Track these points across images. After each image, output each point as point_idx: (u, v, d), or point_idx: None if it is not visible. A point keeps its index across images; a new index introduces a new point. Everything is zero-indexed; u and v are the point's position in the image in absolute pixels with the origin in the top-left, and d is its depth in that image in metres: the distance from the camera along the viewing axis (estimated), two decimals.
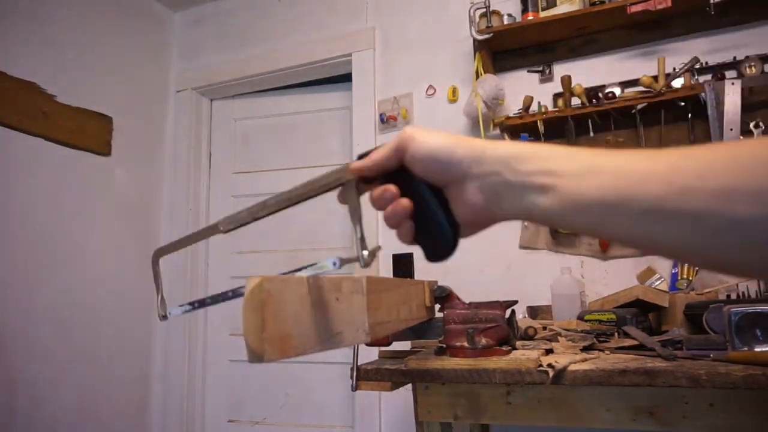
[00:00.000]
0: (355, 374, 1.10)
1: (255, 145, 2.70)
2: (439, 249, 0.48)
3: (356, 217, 0.50)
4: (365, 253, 0.48)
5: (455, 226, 0.47)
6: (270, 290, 0.39)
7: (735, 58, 1.75)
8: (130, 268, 2.42)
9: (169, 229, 2.60)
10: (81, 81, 2.25)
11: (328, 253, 2.44)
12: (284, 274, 0.50)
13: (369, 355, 1.33)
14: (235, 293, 0.54)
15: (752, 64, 1.70)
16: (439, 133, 0.46)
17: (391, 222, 0.49)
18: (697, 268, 1.67)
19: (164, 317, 0.66)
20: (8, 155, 1.95)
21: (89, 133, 2.26)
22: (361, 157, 0.51)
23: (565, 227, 0.43)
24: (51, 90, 2.11)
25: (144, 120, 2.58)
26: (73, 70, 2.23)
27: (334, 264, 0.47)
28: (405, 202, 0.48)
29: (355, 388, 1.11)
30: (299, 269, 0.50)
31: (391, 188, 0.49)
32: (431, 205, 0.47)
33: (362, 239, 0.49)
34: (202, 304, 0.60)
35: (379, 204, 0.50)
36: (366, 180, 0.51)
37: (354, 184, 0.51)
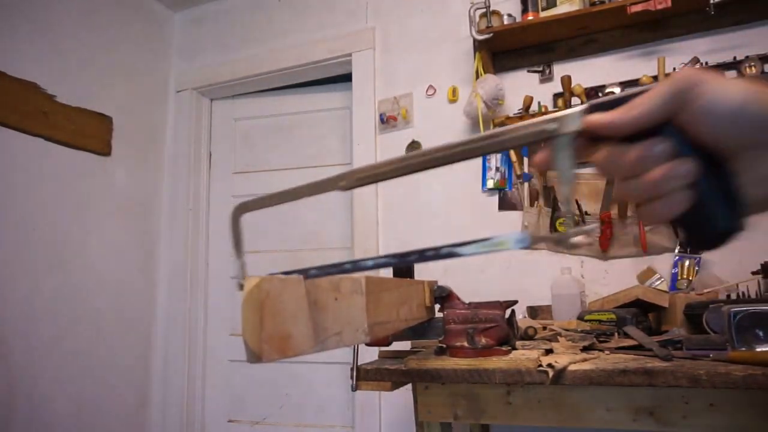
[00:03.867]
0: (355, 374, 1.10)
1: (255, 145, 2.70)
2: (715, 233, 0.37)
3: (569, 183, 0.39)
4: (575, 230, 0.38)
5: (740, 204, 0.37)
6: (269, 290, 0.39)
7: (735, 58, 1.75)
8: (130, 268, 2.42)
9: (169, 229, 2.60)
10: (81, 81, 2.25)
11: (328, 253, 2.44)
12: (434, 250, 0.42)
13: (369, 355, 1.33)
14: (356, 266, 0.45)
15: (752, 64, 1.70)
16: (732, 81, 0.36)
17: (656, 190, 0.37)
18: (697, 269, 1.67)
19: (242, 287, 0.52)
20: (8, 155, 1.95)
21: (89, 133, 2.26)
22: (593, 108, 0.39)
23: None
24: (51, 90, 2.11)
25: (144, 120, 2.58)
26: (73, 70, 2.23)
27: (520, 242, 0.38)
28: (689, 163, 0.36)
29: (355, 388, 1.11)
30: (458, 245, 0.40)
31: (665, 145, 0.37)
32: (713, 175, 0.36)
33: (571, 213, 0.39)
34: (304, 273, 0.46)
35: (634, 167, 0.37)
36: (598, 138, 0.39)
37: (572, 139, 0.39)
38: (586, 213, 1.85)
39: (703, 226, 0.37)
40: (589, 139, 0.39)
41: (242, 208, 0.53)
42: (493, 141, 0.41)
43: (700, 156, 0.36)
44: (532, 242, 0.38)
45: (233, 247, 0.55)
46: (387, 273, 1.64)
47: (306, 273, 0.46)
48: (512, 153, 2.00)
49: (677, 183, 0.36)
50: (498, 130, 0.41)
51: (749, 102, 0.34)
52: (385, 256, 0.45)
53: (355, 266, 0.46)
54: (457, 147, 0.42)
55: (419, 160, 0.43)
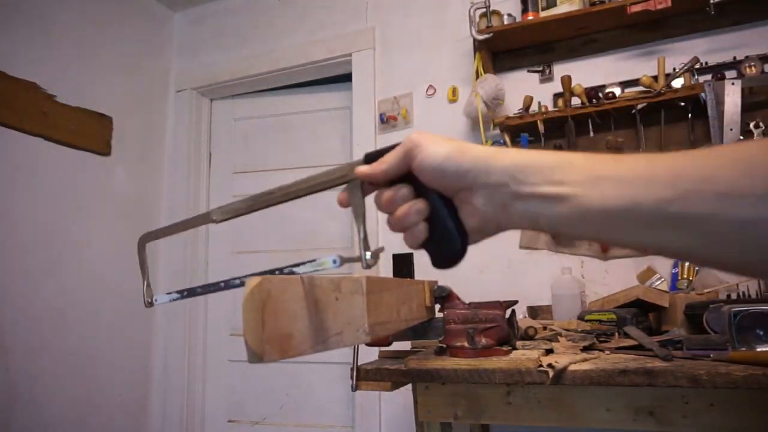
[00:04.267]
0: (355, 374, 1.10)
1: (255, 145, 2.70)
2: (448, 255, 0.48)
3: (360, 217, 0.50)
4: (368, 254, 0.48)
5: (464, 233, 0.47)
6: (270, 290, 0.39)
7: (735, 58, 1.75)
8: (130, 268, 2.42)
9: None
10: (81, 81, 2.25)
11: (328, 252, 2.43)
12: (280, 270, 0.50)
13: (369, 355, 1.32)
14: (228, 284, 0.54)
15: (752, 64, 1.70)
16: (444, 142, 0.46)
17: (402, 224, 0.48)
18: (697, 269, 1.67)
19: (150, 304, 0.64)
20: (8, 155, 1.95)
21: (89, 133, 2.26)
22: (368, 158, 0.50)
23: (572, 236, 0.43)
24: (51, 90, 2.11)
25: (144, 120, 2.58)
26: (73, 70, 2.23)
27: (335, 262, 0.47)
28: (421, 203, 0.47)
29: (355, 388, 1.11)
30: (297, 265, 0.50)
31: (406, 189, 0.48)
32: (441, 211, 0.47)
33: (365, 240, 0.49)
34: (192, 293, 0.59)
35: (389, 206, 0.49)
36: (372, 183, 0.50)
37: (359, 183, 0.50)
38: None
39: (440, 249, 0.48)
40: (369, 184, 0.50)
41: (147, 238, 0.67)
42: (302, 186, 0.53)
43: (434, 196, 0.47)
44: (341, 263, 0.48)
45: (141, 272, 0.68)
46: (387, 272, 1.65)
47: (193, 292, 0.59)
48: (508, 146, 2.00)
49: (415, 217, 0.47)
50: (303, 178, 0.53)
51: (448, 159, 0.45)
52: (240, 277, 0.53)
53: (227, 285, 0.55)
54: (278, 192, 0.54)
55: (261, 199, 0.55)
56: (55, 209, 2.10)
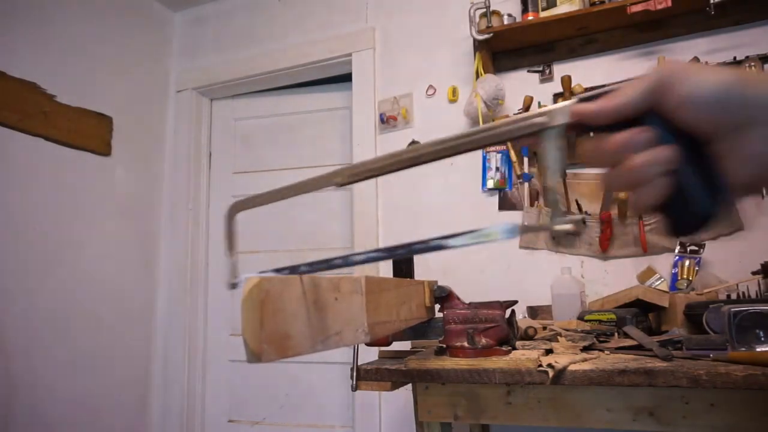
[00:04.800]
0: (355, 374, 1.10)
1: (255, 145, 2.70)
2: (696, 219, 0.38)
3: (557, 173, 0.41)
4: (561, 219, 0.38)
5: (722, 187, 0.37)
6: (269, 290, 0.39)
7: (735, 58, 1.75)
8: (130, 268, 2.42)
9: (169, 229, 2.60)
10: (81, 81, 2.25)
11: (328, 252, 2.44)
12: (425, 242, 0.42)
13: (369, 355, 1.33)
14: (347, 261, 0.46)
15: (752, 64, 1.70)
16: (711, 69, 0.37)
17: (638, 177, 0.38)
18: (697, 269, 1.67)
19: (234, 286, 0.51)
20: (8, 155, 1.95)
21: (89, 133, 2.26)
22: (584, 100, 0.40)
23: None
24: (51, 90, 2.11)
25: (144, 120, 2.58)
26: (73, 70, 2.23)
27: (507, 232, 0.38)
28: (670, 150, 0.37)
29: (355, 388, 1.11)
30: (448, 236, 0.41)
31: (649, 133, 0.38)
32: (694, 159, 0.37)
33: (556, 202, 0.40)
34: (294, 271, 0.47)
35: (618, 153, 0.38)
36: (585, 128, 0.40)
37: (562, 131, 0.40)
38: (587, 213, 1.85)
39: (685, 211, 0.38)
40: (578, 133, 0.39)
41: (238, 207, 0.53)
42: (485, 135, 0.42)
43: (681, 143, 0.37)
44: (519, 232, 0.39)
45: (226, 246, 0.55)
46: (387, 272, 1.64)
47: (296, 269, 0.47)
48: (512, 153, 2.00)
49: (658, 169, 0.37)
50: (491, 124, 0.42)
51: (728, 85, 0.35)
52: (375, 250, 0.46)
53: (346, 261, 0.47)
54: (450, 141, 0.43)
55: (413, 155, 0.44)
56: (54, 209, 2.10)
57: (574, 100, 0.40)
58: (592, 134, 0.41)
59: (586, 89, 1.87)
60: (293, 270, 0.47)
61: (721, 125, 0.36)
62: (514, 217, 2.00)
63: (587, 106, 0.39)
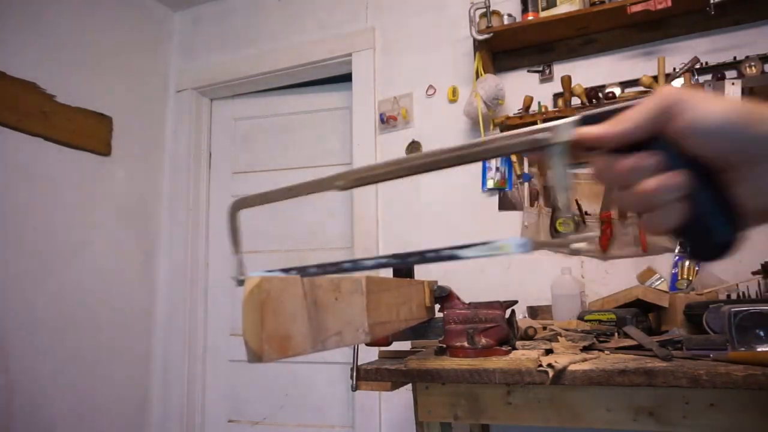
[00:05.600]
0: (355, 374, 1.10)
1: (255, 145, 2.70)
2: (713, 245, 0.37)
3: (565, 191, 0.40)
4: (576, 237, 0.38)
5: (734, 218, 0.37)
6: (269, 290, 0.39)
7: (735, 58, 1.75)
8: (130, 268, 2.42)
9: (169, 229, 2.60)
10: (81, 81, 2.25)
11: (328, 252, 2.44)
12: (436, 251, 0.43)
13: (369, 355, 1.33)
14: (357, 265, 0.46)
15: (752, 64, 1.70)
16: (718, 99, 0.36)
17: (650, 202, 0.37)
18: (697, 269, 1.67)
19: (242, 282, 0.49)
20: (8, 155, 1.95)
21: (89, 133, 2.26)
22: (587, 120, 0.39)
23: None
24: (51, 90, 2.11)
25: (144, 120, 2.58)
26: (73, 70, 2.23)
27: (522, 247, 0.39)
28: (682, 176, 0.36)
29: (355, 388, 1.11)
30: (461, 247, 0.41)
31: (657, 158, 0.37)
32: (705, 187, 0.37)
33: (571, 219, 0.40)
34: (302, 272, 0.47)
35: (627, 177, 0.38)
36: (591, 148, 0.40)
37: (566, 148, 0.40)
38: (586, 213, 1.85)
39: (703, 238, 0.38)
40: (584, 148, 0.40)
41: (240, 204, 0.53)
42: (487, 147, 0.42)
43: (694, 169, 0.37)
44: (533, 247, 0.39)
45: (231, 243, 0.55)
46: (387, 273, 1.64)
47: (304, 271, 0.47)
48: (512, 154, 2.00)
49: (670, 195, 0.37)
50: (494, 136, 0.42)
51: (732, 119, 0.35)
52: (386, 257, 0.46)
53: (355, 265, 0.47)
54: (453, 152, 0.43)
55: (415, 164, 0.44)
56: (55, 209, 2.10)
57: (578, 117, 0.40)
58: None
59: (586, 90, 1.87)
60: (301, 271, 0.47)
61: (728, 157, 0.36)
62: (514, 218, 2.00)
63: (592, 130, 0.39)
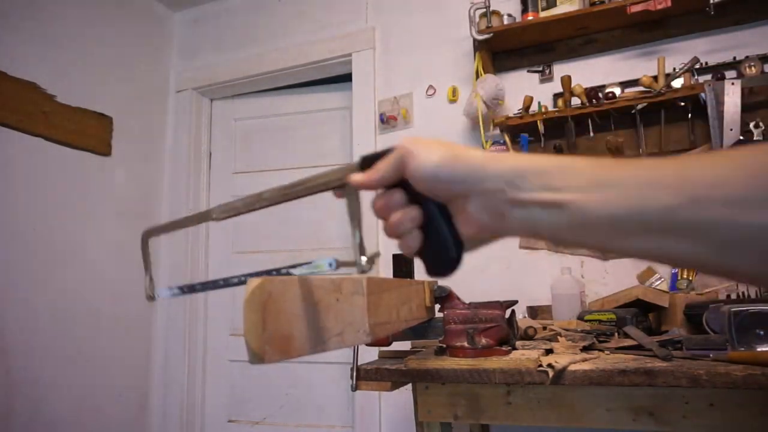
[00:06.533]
0: (355, 374, 1.10)
1: (255, 145, 2.70)
2: (443, 264, 0.47)
3: (356, 220, 0.50)
4: (364, 258, 0.48)
5: (459, 241, 0.46)
6: (271, 291, 0.39)
7: (735, 58, 1.75)
8: (130, 268, 2.42)
9: None
10: (81, 81, 2.25)
11: (328, 253, 2.44)
12: (277, 270, 0.51)
13: (369, 355, 1.33)
14: (227, 282, 0.54)
15: (752, 64, 1.70)
16: (437, 148, 0.45)
17: (396, 231, 0.47)
18: None
19: (151, 298, 0.65)
20: (8, 155, 1.95)
21: (89, 133, 2.26)
22: (365, 161, 0.49)
23: (574, 244, 0.41)
24: (51, 90, 2.11)
25: (144, 120, 2.58)
26: (73, 70, 2.23)
27: (330, 265, 0.48)
28: (415, 211, 0.46)
29: (355, 388, 1.11)
30: (293, 266, 0.50)
31: (399, 195, 0.47)
32: (435, 219, 0.46)
33: (361, 244, 0.49)
34: (192, 289, 0.61)
35: (383, 212, 0.48)
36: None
37: (350, 188, 0.50)
38: None
39: (434, 257, 0.47)
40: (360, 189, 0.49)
41: (150, 233, 0.66)
42: (298, 188, 0.52)
43: (427, 203, 0.46)
44: (337, 266, 0.49)
45: (144, 266, 0.66)
46: (387, 272, 1.65)
47: (192, 288, 0.61)
48: (509, 149, 2.00)
49: (409, 224, 0.46)
50: (301, 179, 0.53)
51: (441, 166, 0.43)
52: (246, 275, 0.53)
53: (226, 282, 0.57)
54: (276, 192, 0.54)
55: (247, 202, 0.55)
56: (55, 209, 2.10)
57: (358, 160, 0.50)
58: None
59: (586, 89, 1.87)
60: (188, 289, 0.62)
61: (443, 194, 0.45)
62: None
63: (357, 177, 0.49)
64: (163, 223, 0.65)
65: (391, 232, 0.48)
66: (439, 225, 0.46)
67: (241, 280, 0.52)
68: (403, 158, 0.45)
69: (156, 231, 0.65)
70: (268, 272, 0.52)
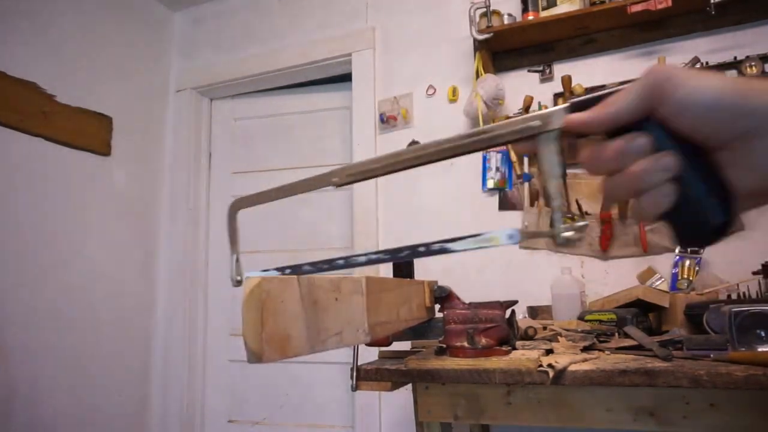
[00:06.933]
0: (355, 374, 1.10)
1: (255, 145, 2.70)
2: (704, 229, 0.36)
3: (555, 178, 0.39)
4: (566, 226, 0.37)
5: (728, 199, 0.35)
6: (269, 291, 0.38)
7: (735, 58, 1.75)
8: (130, 268, 2.42)
9: (169, 229, 2.60)
10: (81, 81, 2.25)
11: (328, 252, 2.43)
12: (427, 246, 0.43)
13: (369, 355, 1.33)
14: (348, 262, 0.47)
15: (752, 64, 1.70)
16: (709, 74, 0.35)
17: (639, 185, 0.36)
18: (697, 269, 1.67)
19: (239, 283, 0.52)
20: (8, 155, 1.95)
21: (89, 133, 2.26)
22: (575, 106, 0.39)
23: None
24: (51, 90, 2.11)
25: (144, 120, 2.58)
26: (73, 70, 2.22)
27: (511, 237, 0.39)
28: (670, 157, 0.35)
29: (355, 388, 1.11)
30: (451, 240, 0.42)
31: (643, 138, 0.36)
32: (698, 167, 0.35)
33: (558, 209, 0.39)
34: (296, 270, 0.48)
35: (615, 162, 0.37)
36: (583, 135, 0.39)
37: (556, 135, 0.39)
38: (587, 213, 1.85)
39: (695, 222, 0.36)
40: (575, 136, 0.39)
41: (239, 204, 0.54)
42: (480, 138, 0.42)
43: (684, 149, 0.35)
44: (522, 238, 0.39)
45: (230, 243, 0.55)
46: (387, 272, 1.64)
47: (299, 269, 0.48)
48: (512, 153, 2.00)
49: (659, 176, 0.35)
50: (485, 127, 0.42)
51: (728, 92, 0.34)
52: (377, 252, 0.48)
53: (348, 262, 0.48)
54: (447, 143, 0.43)
55: (410, 156, 0.44)
56: (55, 209, 2.10)
57: (567, 104, 0.40)
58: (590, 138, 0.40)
59: (587, 89, 1.87)
60: (295, 269, 0.47)
61: (722, 134, 0.34)
62: (514, 217, 2.00)
63: (581, 116, 0.38)
64: (256, 193, 0.52)
65: (628, 187, 0.37)
66: (704, 176, 0.35)
67: (371, 259, 0.46)
68: (661, 85, 0.35)
69: (248, 201, 0.53)
70: (414, 248, 0.43)
